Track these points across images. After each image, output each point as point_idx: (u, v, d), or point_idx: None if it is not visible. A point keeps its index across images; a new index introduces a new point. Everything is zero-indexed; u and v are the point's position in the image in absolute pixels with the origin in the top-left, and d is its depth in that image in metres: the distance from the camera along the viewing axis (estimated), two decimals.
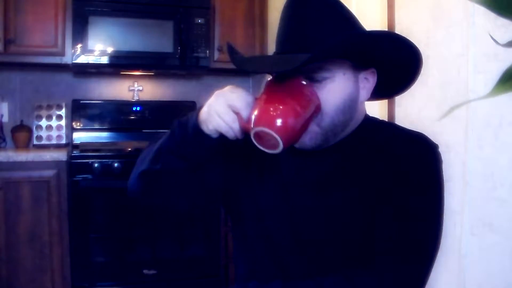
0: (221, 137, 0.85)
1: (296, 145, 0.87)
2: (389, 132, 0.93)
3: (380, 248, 0.85)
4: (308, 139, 0.86)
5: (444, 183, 0.91)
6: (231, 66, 3.22)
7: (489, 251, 1.46)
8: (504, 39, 0.46)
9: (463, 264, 1.54)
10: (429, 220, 0.88)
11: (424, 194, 0.88)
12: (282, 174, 0.95)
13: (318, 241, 0.91)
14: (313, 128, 0.85)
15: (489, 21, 1.37)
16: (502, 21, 0.42)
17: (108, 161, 2.66)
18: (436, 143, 0.92)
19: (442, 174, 0.91)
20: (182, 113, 3.02)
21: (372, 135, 0.91)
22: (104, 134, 3.20)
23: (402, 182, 0.87)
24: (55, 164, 2.63)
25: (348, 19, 0.87)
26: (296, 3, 0.86)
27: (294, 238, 0.92)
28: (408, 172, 0.88)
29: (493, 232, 1.45)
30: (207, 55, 3.04)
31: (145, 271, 2.73)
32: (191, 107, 3.36)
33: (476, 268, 1.51)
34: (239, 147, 0.96)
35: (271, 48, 3.19)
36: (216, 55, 3.11)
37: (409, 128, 0.95)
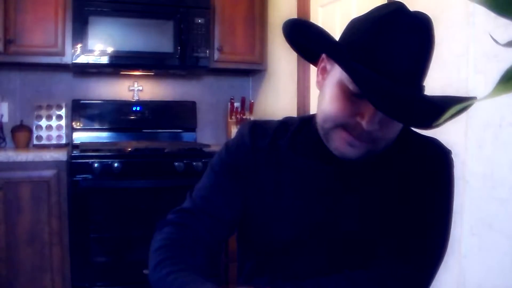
0: None
1: (337, 153, 0.87)
2: (405, 137, 0.92)
3: (386, 249, 0.86)
4: (357, 154, 0.85)
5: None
6: (231, 66, 3.21)
7: (489, 251, 1.46)
8: (504, 39, 0.46)
9: (463, 264, 1.54)
10: (438, 223, 0.89)
11: (435, 199, 0.89)
12: (299, 181, 0.94)
13: (333, 243, 0.91)
14: (368, 145, 0.84)
15: (489, 21, 1.37)
16: (502, 21, 0.42)
17: (108, 161, 2.65)
18: (450, 149, 0.93)
19: (454, 180, 0.91)
20: (182, 113, 2.95)
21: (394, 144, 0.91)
22: (104, 134, 3.20)
23: (414, 186, 0.89)
24: (55, 164, 2.63)
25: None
26: (397, 26, 0.79)
27: (305, 240, 0.92)
28: (421, 177, 0.89)
29: (493, 231, 1.45)
30: (207, 55, 3.04)
31: (145, 271, 2.70)
32: (191, 107, 3.37)
33: (476, 268, 1.51)
34: (249, 167, 0.96)
35: (271, 47, 3.20)
36: (216, 55, 3.11)
37: (422, 134, 0.95)
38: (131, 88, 3.31)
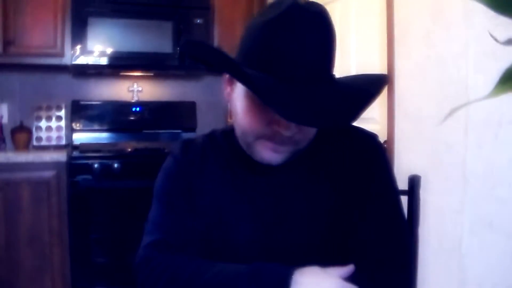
0: None
1: (264, 162, 0.84)
2: (327, 132, 0.90)
3: (358, 253, 0.84)
4: (282, 158, 0.84)
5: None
6: None
7: (489, 250, 1.47)
8: (503, 38, 0.46)
9: (463, 263, 1.54)
10: (397, 213, 0.88)
11: (384, 190, 0.88)
12: (247, 193, 0.91)
13: (285, 252, 0.88)
14: (292, 147, 0.83)
15: (488, 20, 1.37)
16: (501, 19, 0.42)
17: (107, 162, 2.65)
18: (374, 132, 0.93)
19: (389, 162, 0.92)
20: (181, 113, 2.93)
21: (318, 139, 0.88)
22: (104, 135, 3.20)
23: (353, 178, 0.87)
24: (55, 165, 2.63)
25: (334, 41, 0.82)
26: (296, 21, 0.76)
27: (266, 250, 0.88)
28: (358, 168, 0.88)
29: (493, 231, 1.45)
30: None
31: None
32: (190, 107, 3.37)
33: (476, 267, 1.51)
34: (189, 184, 0.93)
35: None
36: None
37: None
38: (131, 88, 3.31)
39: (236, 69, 0.74)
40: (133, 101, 3.29)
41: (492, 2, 0.39)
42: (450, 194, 1.56)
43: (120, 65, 3.00)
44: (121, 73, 3.25)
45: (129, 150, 2.82)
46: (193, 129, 3.39)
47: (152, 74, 3.32)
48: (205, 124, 3.46)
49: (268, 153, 0.83)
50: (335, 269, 0.76)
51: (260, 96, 0.71)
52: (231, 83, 0.87)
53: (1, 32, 2.68)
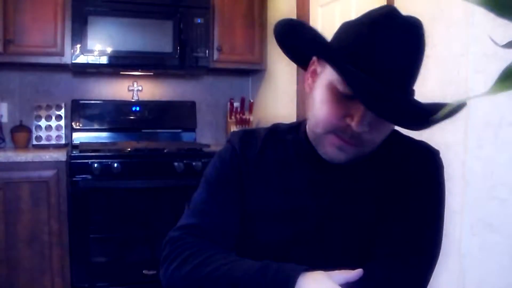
0: None
1: (327, 158, 0.87)
2: (393, 140, 0.92)
3: (382, 253, 0.86)
4: (345, 158, 0.86)
5: (445, 187, 0.92)
6: (230, 66, 3.21)
7: (489, 251, 1.46)
8: (503, 39, 0.46)
9: (463, 263, 1.54)
10: (431, 226, 0.89)
11: (427, 201, 0.89)
12: (290, 188, 0.94)
13: (328, 247, 0.91)
14: (357, 149, 0.85)
15: (488, 21, 1.36)
16: (501, 21, 0.42)
17: (107, 161, 2.65)
18: (438, 149, 0.94)
19: (444, 180, 0.92)
20: (181, 113, 2.93)
21: (381, 149, 0.90)
22: (104, 134, 3.20)
23: (406, 190, 0.89)
24: (55, 164, 2.63)
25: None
26: (394, 29, 0.79)
27: (300, 245, 0.91)
28: (412, 181, 0.89)
29: (493, 231, 1.45)
30: (207, 55, 3.03)
31: (145, 271, 2.72)
32: (190, 107, 3.37)
33: (476, 268, 1.51)
34: (242, 175, 0.95)
35: (271, 47, 3.19)
36: (216, 55, 3.11)
37: (410, 136, 0.95)
38: (131, 88, 3.30)
39: (334, 57, 0.78)
40: (133, 100, 3.28)
41: (491, 5, 0.39)
42: (450, 194, 1.56)
43: (120, 64, 3.00)
44: (121, 72, 3.24)
45: (129, 149, 2.81)
46: (192, 129, 3.38)
47: (152, 73, 3.32)
48: (205, 124, 3.46)
49: (332, 150, 0.86)
50: (344, 272, 0.77)
51: (349, 83, 0.75)
52: (314, 75, 0.90)
53: (1, 31, 2.68)
